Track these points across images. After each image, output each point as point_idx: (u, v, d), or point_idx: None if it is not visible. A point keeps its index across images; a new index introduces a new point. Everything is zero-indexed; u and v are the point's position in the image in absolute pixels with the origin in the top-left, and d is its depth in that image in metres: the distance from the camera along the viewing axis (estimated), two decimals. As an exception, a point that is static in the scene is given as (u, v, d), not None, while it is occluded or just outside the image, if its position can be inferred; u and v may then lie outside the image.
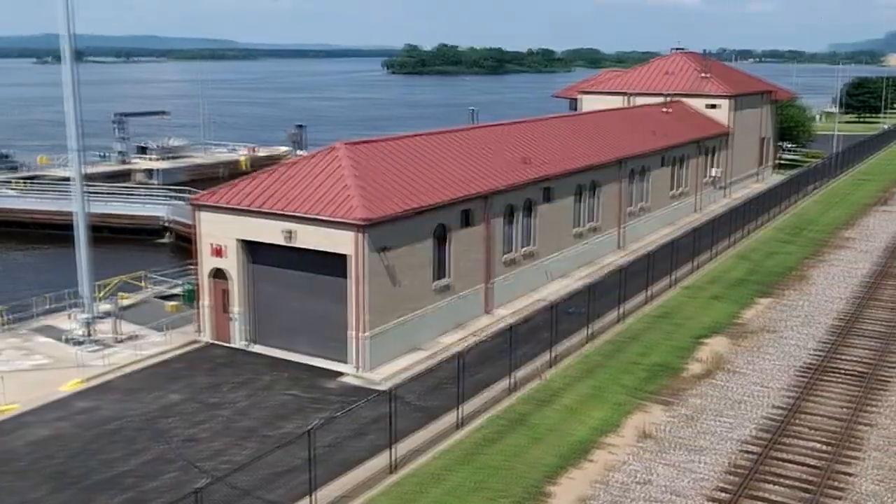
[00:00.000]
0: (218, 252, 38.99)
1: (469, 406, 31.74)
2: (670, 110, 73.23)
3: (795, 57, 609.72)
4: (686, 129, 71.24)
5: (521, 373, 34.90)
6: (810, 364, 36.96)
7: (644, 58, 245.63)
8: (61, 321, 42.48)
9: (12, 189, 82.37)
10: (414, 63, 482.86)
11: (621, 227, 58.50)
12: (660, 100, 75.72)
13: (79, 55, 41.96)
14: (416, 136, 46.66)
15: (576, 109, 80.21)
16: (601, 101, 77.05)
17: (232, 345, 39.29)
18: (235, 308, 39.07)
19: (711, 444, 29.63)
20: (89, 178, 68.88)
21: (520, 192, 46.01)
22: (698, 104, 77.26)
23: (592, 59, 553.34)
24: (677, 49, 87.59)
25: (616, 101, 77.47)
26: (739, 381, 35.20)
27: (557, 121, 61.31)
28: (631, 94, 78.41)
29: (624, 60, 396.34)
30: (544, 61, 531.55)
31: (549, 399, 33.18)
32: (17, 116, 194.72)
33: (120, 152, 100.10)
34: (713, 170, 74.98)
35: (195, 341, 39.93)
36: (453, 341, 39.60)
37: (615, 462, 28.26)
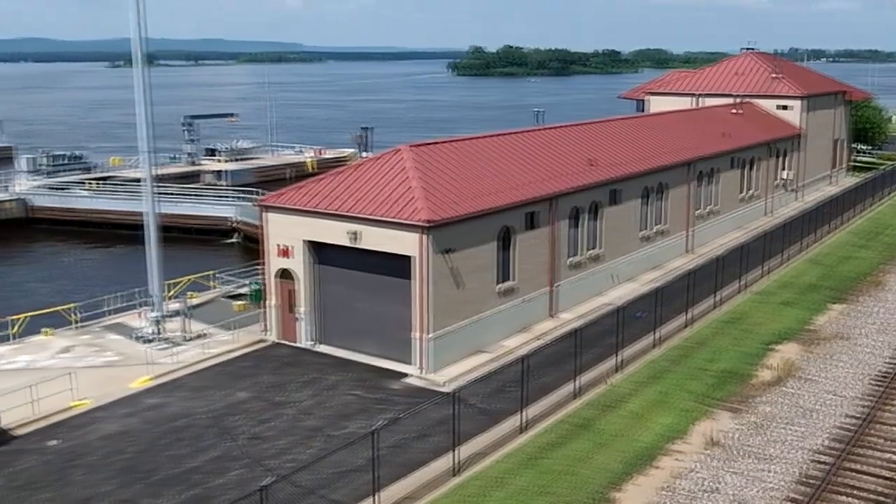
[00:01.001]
0: (284, 252, 39.36)
1: (533, 410, 31.54)
2: (740, 111, 71.97)
3: (872, 56, 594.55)
4: (756, 130, 69.96)
5: (585, 377, 34.57)
6: (886, 372, 35.94)
7: (713, 58, 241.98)
8: (132, 319, 43.31)
9: (86, 190, 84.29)
10: (479, 65, 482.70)
11: (689, 231, 57.65)
12: (729, 101, 74.44)
13: (149, 59, 42.69)
14: (480, 137, 46.56)
15: (643, 111, 79.34)
16: (669, 103, 76.08)
17: (298, 344, 39.62)
18: (301, 308, 39.40)
19: (782, 452, 28.98)
20: (160, 179, 70.22)
21: (586, 195, 45.61)
22: (769, 105, 75.80)
23: (659, 59, 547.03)
24: (747, 49, 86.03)
25: (684, 103, 76.42)
26: (811, 389, 34.39)
27: (624, 122, 60.69)
28: (699, 95, 77.26)
29: (692, 61, 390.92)
30: (610, 62, 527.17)
31: (615, 404, 32.80)
32: (90, 118, 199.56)
33: (189, 154, 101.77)
34: (784, 172, 73.47)
35: (262, 340, 40.36)
36: (517, 344, 39.39)
37: (682, 469, 27.79)
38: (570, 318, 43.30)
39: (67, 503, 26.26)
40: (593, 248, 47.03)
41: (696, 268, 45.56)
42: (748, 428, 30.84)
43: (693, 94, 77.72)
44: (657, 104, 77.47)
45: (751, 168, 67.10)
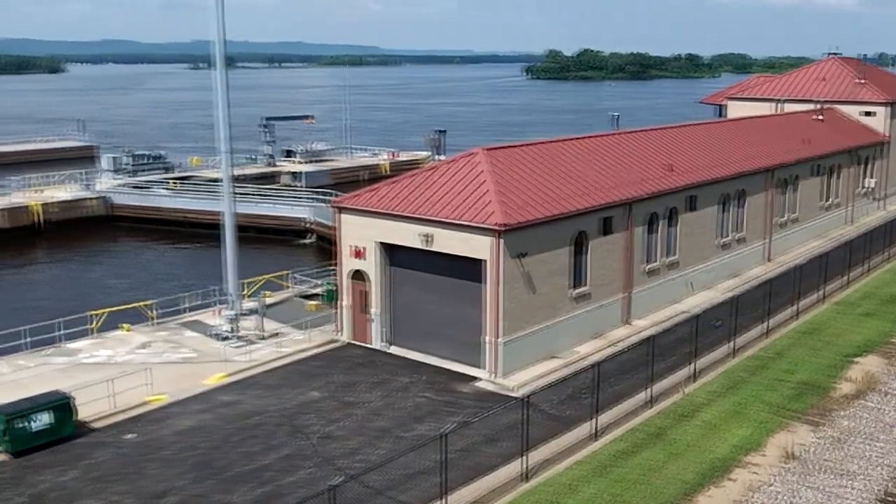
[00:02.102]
0: (358, 254, 39.59)
1: (605, 417, 31.14)
2: (822, 118, 70.23)
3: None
4: (839, 137, 68.17)
5: (659, 386, 34.04)
6: (974, 389, 34.62)
7: (795, 63, 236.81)
8: (208, 317, 44.03)
9: (166, 189, 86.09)
10: (555, 68, 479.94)
11: (768, 239, 56.40)
12: (811, 107, 72.72)
13: (229, 61, 43.42)
14: (555, 141, 46.20)
15: (723, 116, 77.99)
16: (749, 108, 74.63)
17: (369, 345, 39.81)
18: (374, 309, 39.58)
19: (862, 468, 28.09)
20: (237, 179, 71.37)
21: (663, 200, 44.94)
22: (853, 111, 73.79)
23: (740, 64, 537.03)
24: (831, 54, 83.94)
25: (765, 108, 74.86)
26: (893, 404, 33.28)
27: (703, 127, 59.69)
28: (781, 101, 75.61)
29: (774, 66, 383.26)
30: (690, 66, 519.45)
31: (689, 414, 32.20)
32: (170, 119, 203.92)
33: (267, 155, 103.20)
34: (868, 180, 71.43)
35: (334, 340, 40.66)
36: (590, 351, 38.97)
37: (757, 482, 27.12)
38: (645, 325, 42.70)
39: (142, 496, 26.75)
40: (670, 255, 46.31)
41: (774, 276, 44.60)
42: (827, 442, 29.98)
43: (774, 100, 76.11)
44: (737, 109, 76.09)
45: (833, 176, 65.41)
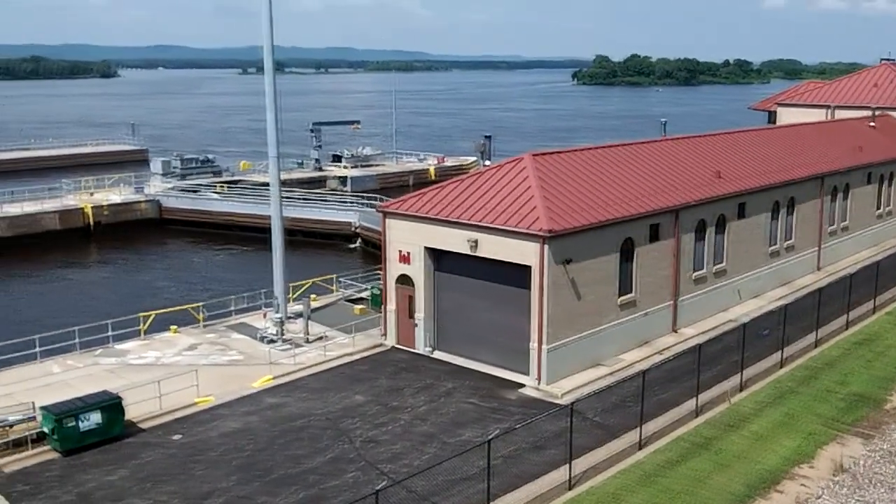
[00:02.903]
0: (404, 258, 39.68)
1: (651, 426, 30.86)
2: (875, 124, 69.00)
3: None
4: (893, 144, 66.90)
5: (706, 395, 33.64)
6: None
7: (848, 69, 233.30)
8: (255, 319, 44.40)
9: (215, 192, 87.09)
10: (603, 74, 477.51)
11: (819, 247, 55.51)
12: (865, 113, 71.41)
13: (279, 66, 43.83)
14: (603, 147, 45.95)
15: (773, 122, 76.97)
16: (801, 114, 73.59)
17: (415, 350, 39.86)
18: (419, 314, 39.62)
19: (916, 483, 27.50)
20: (286, 184, 72.05)
21: (712, 207, 44.46)
22: (908, 118, 72.35)
23: (791, 70, 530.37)
24: (885, 59, 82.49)
25: (817, 115, 73.76)
26: (949, 417, 32.57)
27: (753, 134, 58.95)
28: (833, 107, 74.43)
29: (826, 72, 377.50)
30: (739, 72, 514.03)
31: (737, 424, 31.77)
32: (219, 124, 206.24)
33: (315, 160, 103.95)
34: (923, 188, 69.97)
35: (380, 345, 40.78)
36: (636, 359, 38.63)
37: (807, 495, 26.67)
38: (693, 333, 42.24)
39: (188, 497, 27.01)
40: (718, 263, 45.78)
41: (825, 285, 43.90)
42: (880, 455, 29.40)
43: (826, 106, 74.94)
44: (788, 116, 75.05)
45: (888, 184, 64.22)
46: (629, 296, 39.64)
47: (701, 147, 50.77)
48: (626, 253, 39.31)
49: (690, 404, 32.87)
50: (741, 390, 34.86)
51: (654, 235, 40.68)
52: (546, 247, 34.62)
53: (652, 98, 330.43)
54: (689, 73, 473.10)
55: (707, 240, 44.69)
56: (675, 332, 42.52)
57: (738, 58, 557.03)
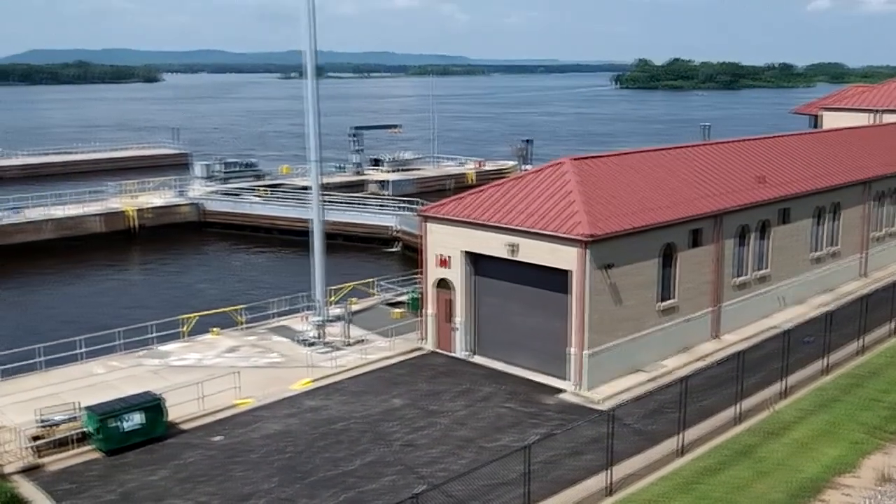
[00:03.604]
0: (443, 262, 39.71)
1: (691, 433, 30.57)
2: (924, 129, 67.81)
3: None
4: (941, 149, 65.68)
5: (748, 402, 33.24)
6: None
7: (894, 73, 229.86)
8: (295, 322, 44.68)
9: (256, 196, 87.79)
10: (644, 78, 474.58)
11: (864, 253, 54.71)
12: (912, 117, 70.33)
13: (319, 71, 44.05)
14: (643, 151, 45.66)
15: (817, 127, 76.04)
16: (845, 119, 72.56)
17: (453, 354, 39.86)
18: (458, 318, 39.62)
19: (963, 494, 26.97)
20: (326, 187, 72.25)
21: (754, 212, 44.00)
22: (957, 122, 71.10)
23: (836, 74, 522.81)
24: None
25: (861, 119, 72.68)
26: None
27: (796, 138, 58.28)
28: (878, 112, 73.32)
29: (871, 76, 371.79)
30: (783, 76, 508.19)
31: (779, 432, 31.37)
32: (259, 128, 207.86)
33: (355, 164, 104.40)
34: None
35: (418, 348, 40.84)
36: (677, 365, 38.33)
37: (851, 505, 26.29)
38: (734, 340, 41.82)
39: (229, 498, 27.23)
40: (760, 269, 45.29)
41: (870, 292, 43.27)
42: (926, 466, 28.87)
43: (871, 110, 73.86)
44: (832, 120, 74.06)
45: (934, 189, 63.05)
46: (670, 301, 39.35)
47: (743, 151, 50.28)
48: (667, 258, 39.03)
49: (732, 411, 32.52)
50: (783, 398, 34.44)
51: (696, 241, 40.34)
52: (586, 251, 34.48)
53: (693, 102, 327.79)
54: (732, 77, 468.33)
55: (749, 245, 44.24)
56: (717, 338, 42.13)
57: (781, 61, 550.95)
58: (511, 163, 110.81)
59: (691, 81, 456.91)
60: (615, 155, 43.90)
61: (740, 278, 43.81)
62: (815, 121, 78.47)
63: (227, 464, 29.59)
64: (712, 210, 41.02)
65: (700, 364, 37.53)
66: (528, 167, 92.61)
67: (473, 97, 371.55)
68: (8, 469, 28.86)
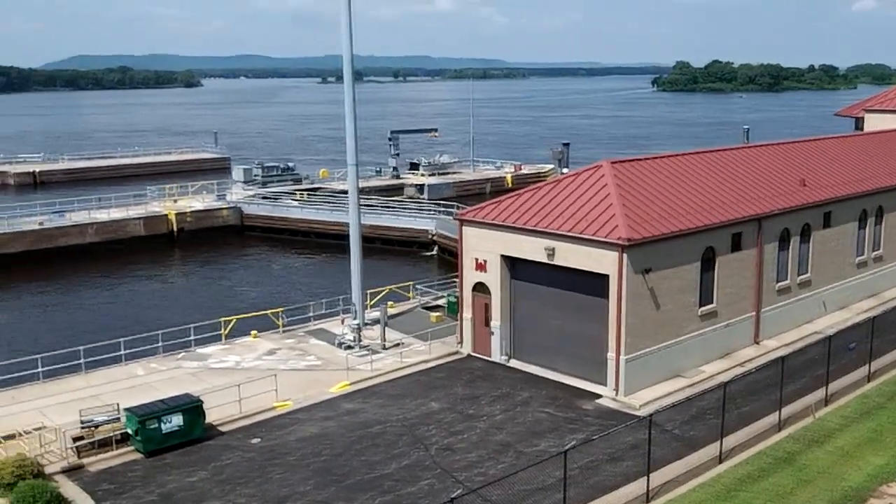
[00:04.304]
0: (480, 266, 39.63)
1: (731, 439, 30.22)
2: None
3: None
4: None
5: (789, 409, 32.80)
6: None
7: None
8: (333, 325, 44.83)
9: (295, 200, 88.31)
10: (684, 80, 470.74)
11: (909, 258, 53.79)
12: (959, 119, 68.97)
13: (358, 75, 44.28)
14: (683, 154, 45.23)
15: (860, 129, 74.88)
16: (889, 120, 71.20)
17: (490, 358, 39.76)
18: (495, 322, 39.52)
19: None
20: (364, 191, 72.62)
21: (796, 216, 43.43)
22: None
23: (879, 75, 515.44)
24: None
25: (907, 121, 71.41)
26: None
27: (839, 141, 57.43)
28: (924, 113, 71.99)
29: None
30: (825, 78, 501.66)
31: (821, 439, 30.92)
32: (298, 132, 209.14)
33: (393, 167, 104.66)
34: None
35: (456, 352, 40.78)
36: (717, 371, 37.90)
37: (896, 514, 25.82)
38: (775, 345, 41.29)
39: (266, 500, 27.37)
40: (802, 273, 44.69)
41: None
42: (973, 475, 28.29)
43: (917, 112, 72.49)
44: (876, 122, 72.80)
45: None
46: (710, 306, 38.93)
47: (785, 154, 49.67)
48: (707, 262, 38.62)
49: (773, 418, 32.10)
50: (826, 404, 33.93)
51: (737, 245, 39.90)
52: (624, 255, 34.22)
53: (733, 104, 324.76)
54: (773, 79, 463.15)
55: (791, 250, 43.67)
56: (758, 343, 41.62)
57: (823, 63, 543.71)
58: (549, 166, 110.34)
59: (731, 84, 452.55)
60: (654, 158, 43.55)
61: (782, 283, 43.25)
62: (859, 123, 77.25)
63: (265, 466, 29.75)
64: (753, 213, 40.55)
65: (740, 370, 37.09)
66: (566, 170, 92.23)
67: (512, 100, 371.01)
68: (50, 469, 29.23)
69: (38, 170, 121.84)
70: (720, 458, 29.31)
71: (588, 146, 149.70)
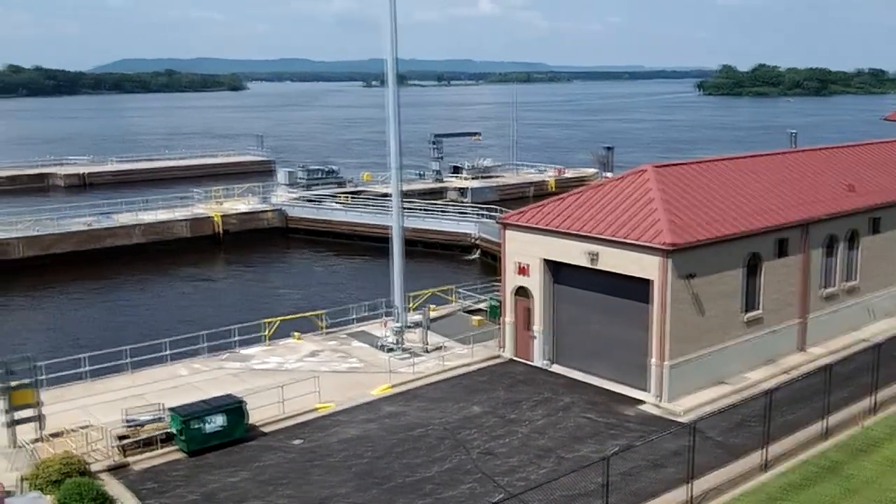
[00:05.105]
0: (522, 270, 39.55)
1: (776, 448, 29.82)
2: None
3: None
4: None
5: (835, 417, 32.29)
6: None
7: None
8: (375, 328, 45.00)
9: (338, 203, 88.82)
10: (728, 84, 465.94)
11: (960, 265, 52.70)
12: None
13: (401, 79, 44.42)
14: (727, 159, 44.81)
15: (909, 134, 73.66)
16: (940, 126, 70.22)
17: (532, 362, 39.65)
18: (536, 326, 39.41)
19: None
20: (406, 194, 72.73)
21: (843, 222, 42.81)
22: None
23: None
24: None
25: (958, 126, 70.26)
26: None
27: (888, 145, 56.44)
28: (976, 118, 70.76)
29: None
30: (874, 82, 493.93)
31: (868, 449, 30.41)
32: (342, 135, 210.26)
33: (435, 171, 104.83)
34: None
35: (497, 356, 40.73)
36: (761, 378, 37.45)
37: (945, 527, 25.32)
38: (821, 353, 40.71)
39: (306, 501, 27.51)
40: (849, 280, 44.02)
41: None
42: None
43: (969, 117, 71.28)
44: (926, 127, 71.72)
45: None
46: (755, 312, 38.50)
47: (832, 159, 48.98)
48: (752, 268, 38.20)
49: (818, 426, 31.65)
50: (873, 413, 33.37)
51: (782, 250, 39.42)
52: (668, 261, 33.95)
53: (780, 109, 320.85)
54: (820, 83, 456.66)
55: (838, 256, 43.05)
56: (803, 350, 41.05)
57: (871, 66, 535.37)
58: (592, 170, 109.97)
59: (777, 88, 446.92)
60: (698, 162, 43.17)
61: (828, 289, 42.64)
62: (909, 128, 76.04)
63: (307, 467, 29.92)
64: (799, 219, 40.04)
65: (786, 377, 36.64)
66: (609, 174, 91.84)
67: (554, 104, 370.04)
68: (96, 467, 29.65)
69: (86, 171, 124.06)
70: (764, 467, 28.94)
71: (631, 150, 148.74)
